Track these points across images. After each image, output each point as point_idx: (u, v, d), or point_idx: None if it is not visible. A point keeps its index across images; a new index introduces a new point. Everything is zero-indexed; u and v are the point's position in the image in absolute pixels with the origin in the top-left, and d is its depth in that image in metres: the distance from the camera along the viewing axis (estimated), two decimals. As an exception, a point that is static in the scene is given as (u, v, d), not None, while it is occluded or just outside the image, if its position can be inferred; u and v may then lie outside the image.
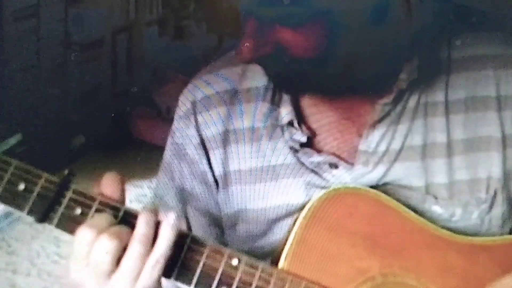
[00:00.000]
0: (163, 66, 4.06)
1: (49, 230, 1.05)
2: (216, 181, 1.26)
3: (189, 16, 4.33)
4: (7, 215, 2.99)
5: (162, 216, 1.05)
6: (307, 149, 1.20)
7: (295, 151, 1.20)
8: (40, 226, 1.08)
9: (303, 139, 1.20)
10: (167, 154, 1.30)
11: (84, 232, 1.02)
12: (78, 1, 3.65)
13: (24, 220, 1.01)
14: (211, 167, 1.26)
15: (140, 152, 3.37)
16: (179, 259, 1.06)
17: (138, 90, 3.96)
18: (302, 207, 1.15)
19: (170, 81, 3.81)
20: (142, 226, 1.03)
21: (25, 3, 3.35)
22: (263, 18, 1.07)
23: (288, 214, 1.22)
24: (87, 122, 3.71)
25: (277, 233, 1.23)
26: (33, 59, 3.45)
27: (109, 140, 3.77)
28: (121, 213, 1.06)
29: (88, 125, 3.71)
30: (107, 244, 1.01)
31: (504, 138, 1.18)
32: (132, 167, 3.42)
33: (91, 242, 1.01)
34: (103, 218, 1.04)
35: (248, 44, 1.07)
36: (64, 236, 1.07)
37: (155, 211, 1.05)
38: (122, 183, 1.08)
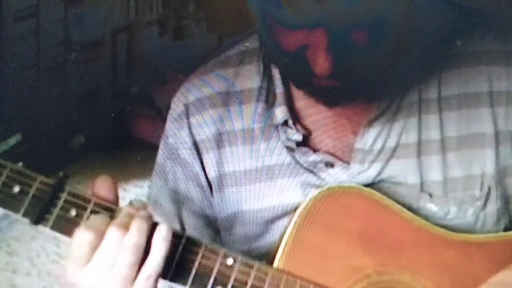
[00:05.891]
0: (163, 66, 4.06)
1: (49, 230, 1.05)
2: (209, 183, 1.26)
3: (189, 16, 4.33)
4: (7, 215, 2.98)
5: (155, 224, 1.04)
6: (303, 148, 1.20)
7: (291, 150, 1.20)
8: (40, 226, 1.08)
9: (299, 138, 1.20)
10: (161, 156, 1.30)
11: (82, 234, 1.02)
12: (78, 1, 3.65)
13: (24, 221, 1.01)
14: (204, 170, 1.25)
15: (140, 152, 3.37)
16: (174, 260, 1.06)
17: (138, 90, 3.96)
18: (298, 207, 1.15)
19: (170, 81, 3.81)
20: (134, 234, 1.02)
21: (25, 3, 3.35)
22: (336, 26, 1.02)
23: (285, 214, 1.22)
24: (87, 122, 3.71)
25: (275, 233, 1.23)
26: (33, 59, 3.46)
27: (109, 140, 3.77)
28: (116, 215, 1.06)
29: (88, 125, 3.71)
30: (116, 235, 1.01)
31: (497, 134, 1.18)
32: (132, 167, 3.42)
33: (90, 243, 1.01)
34: (100, 220, 1.04)
35: (323, 59, 1.03)
36: (64, 237, 1.07)
37: (149, 218, 1.05)
38: (115, 185, 1.08)
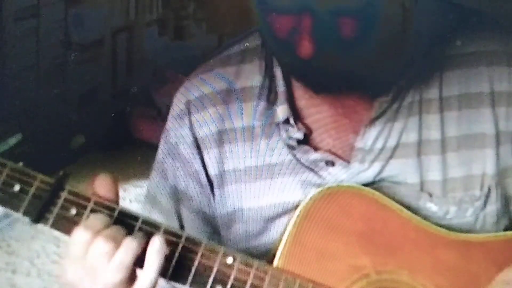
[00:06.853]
0: (163, 66, 4.06)
1: (49, 230, 1.06)
2: (210, 181, 1.26)
3: (189, 16, 4.33)
4: (7, 215, 2.99)
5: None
6: (305, 147, 1.20)
7: (292, 148, 1.21)
8: (40, 226, 1.09)
9: (300, 135, 1.20)
10: (160, 153, 1.30)
11: (80, 233, 1.03)
12: (78, 1, 3.65)
13: (24, 220, 1.02)
14: (204, 167, 1.26)
15: (140, 152, 3.37)
16: (174, 259, 1.07)
17: (138, 90, 3.96)
18: (298, 206, 1.15)
19: (170, 81, 3.81)
20: (123, 254, 1.03)
21: (25, 3, 3.35)
22: (323, 11, 1.04)
23: (285, 212, 1.22)
24: (87, 122, 3.71)
25: (274, 232, 1.23)
26: (33, 59, 3.45)
27: (109, 140, 3.77)
28: (115, 213, 1.06)
29: (88, 125, 3.71)
30: (103, 246, 1.02)
31: (498, 135, 1.19)
32: (132, 167, 3.42)
33: (87, 243, 1.02)
34: (99, 219, 1.04)
35: (307, 42, 1.05)
36: (64, 236, 1.07)
37: (139, 241, 1.05)
38: (116, 184, 1.08)
